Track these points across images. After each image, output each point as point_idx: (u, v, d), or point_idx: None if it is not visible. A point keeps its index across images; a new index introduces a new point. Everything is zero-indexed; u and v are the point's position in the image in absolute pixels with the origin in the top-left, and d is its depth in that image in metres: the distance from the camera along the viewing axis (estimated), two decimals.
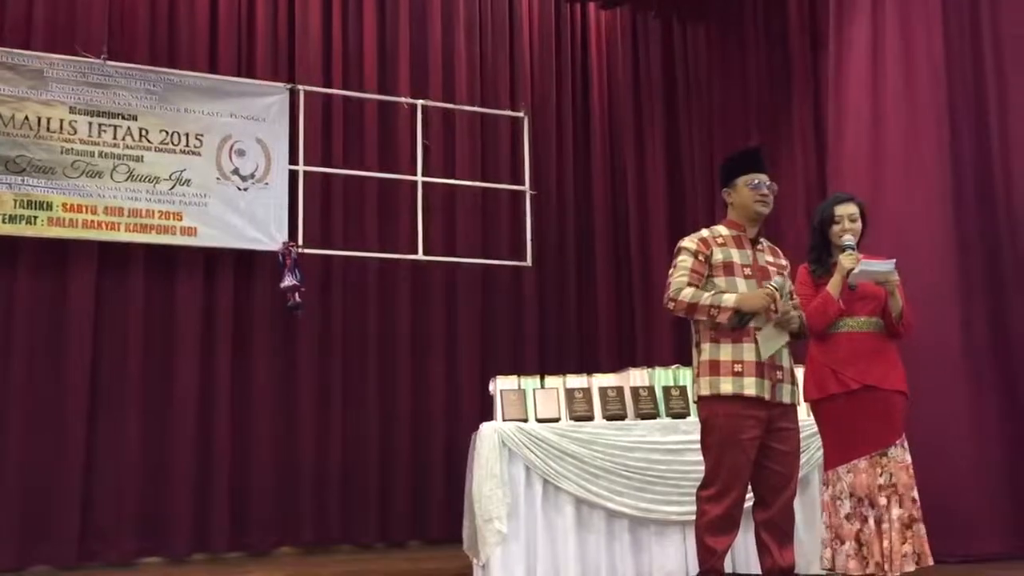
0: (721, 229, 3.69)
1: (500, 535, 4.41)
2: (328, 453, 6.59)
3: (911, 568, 3.71)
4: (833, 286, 3.84)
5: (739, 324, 3.47)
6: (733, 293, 3.50)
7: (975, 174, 5.40)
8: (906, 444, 3.84)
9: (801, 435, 3.69)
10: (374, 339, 6.88)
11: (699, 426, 3.64)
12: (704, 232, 3.70)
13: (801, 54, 6.62)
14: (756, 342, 3.49)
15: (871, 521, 3.75)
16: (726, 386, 3.48)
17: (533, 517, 4.50)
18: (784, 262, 3.77)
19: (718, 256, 3.58)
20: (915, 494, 3.78)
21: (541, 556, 4.47)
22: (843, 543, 3.79)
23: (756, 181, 3.65)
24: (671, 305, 3.57)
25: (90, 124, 6.11)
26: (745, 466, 3.49)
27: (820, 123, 6.45)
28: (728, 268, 3.57)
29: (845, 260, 3.82)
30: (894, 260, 3.85)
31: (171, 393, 6.22)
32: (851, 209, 3.98)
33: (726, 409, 3.48)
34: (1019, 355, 5.18)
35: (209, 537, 6.17)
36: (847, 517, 3.79)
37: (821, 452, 4.08)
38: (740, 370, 3.47)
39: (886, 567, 3.68)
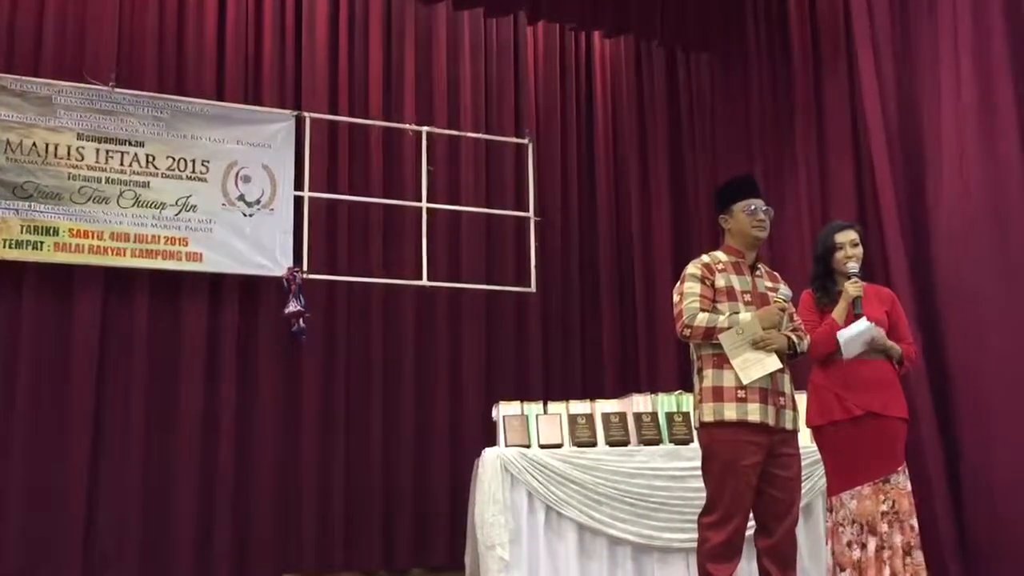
0: (720, 255, 3.71)
1: (503, 562, 4.40)
2: (331, 479, 6.58)
3: None
4: (838, 314, 3.84)
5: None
6: (748, 313, 3.51)
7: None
8: (907, 471, 3.84)
9: (803, 462, 3.68)
10: (378, 365, 6.88)
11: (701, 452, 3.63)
12: (705, 257, 3.71)
13: (804, 80, 6.65)
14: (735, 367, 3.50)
15: (870, 548, 3.73)
16: (730, 412, 3.47)
17: (536, 544, 4.49)
18: (783, 285, 3.78)
19: (720, 282, 3.59)
20: (914, 521, 3.78)
21: None
22: (843, 570, 3.77)
23: (752, 207, 3.67)
24: (687, 332, 3.56)
25: (97, 150, 6.16)
26: (747, 493, 3.47)
27: (823, 148, 6.47)
28: (730, 294, 3.58)
29: (851, 288, 3.83)
30: (864, 319, 3.82)
31: (175, 419, 6.21)
32: (851, 235, 4.00)
33: (728, 435, 3.46)
34: None
35: (211, 564, 6.14)
36: (848, 544, 3.78)
37: (824, 479, 4.06)
38: (744, 396, 3.47)
39: None
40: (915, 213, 5.58)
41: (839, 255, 3.99)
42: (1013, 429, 4.88)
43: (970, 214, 5.27)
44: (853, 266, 3.91)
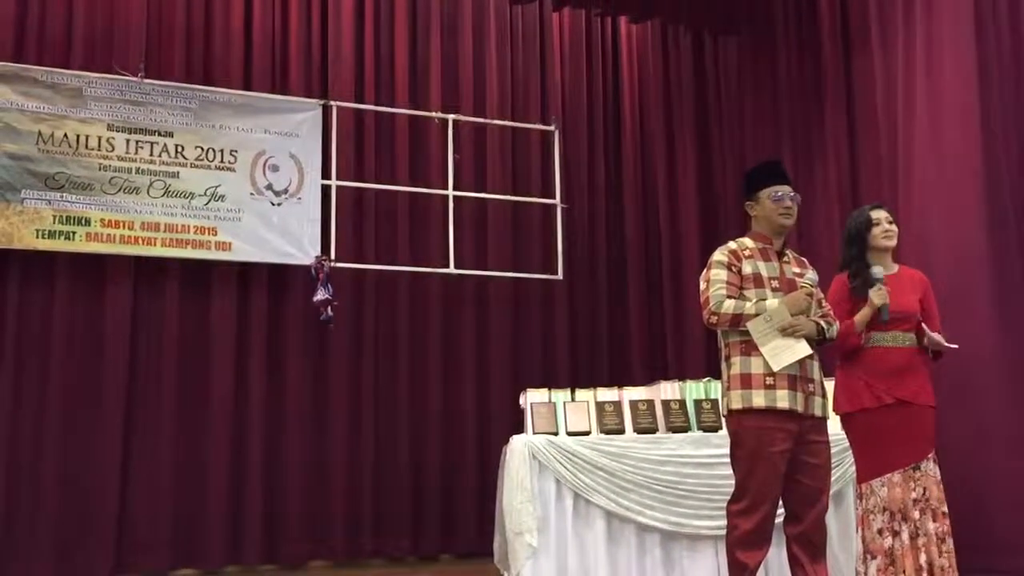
0: (747, 241, 3.67)
1: (531, 549, 4.41)
2: (360, 467, 6.62)
3: None
4: (860, 320, 3.80)
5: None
6: (776, 300, 3.49)
7: (1012, 179, 5.33)
8: (936, 459, 3.80)
9: (833, 449, 3.66)
10: (405, 353, 6.91)
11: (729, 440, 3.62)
12: (732, 244, 3.68)
13: (833, 64, 6.58)
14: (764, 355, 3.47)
15: (904, 535, 3.70)
16: (759, 399, 3.45)
17: (564, 531, 4.49)
18: (810, 271, 3.74)
19: (747, 268, 3.56)
20: (945, 508, 3.75)
21: (572, 570, 4.46)
22: (874, 558, 3.74)
23: (779, 193, 3.64)
24: (714, 319, 3.54)
25: (127, 141, 6.21)
26: (775, 480, 3.45)
27: (853, 133, 6.40)
28: (757, 280, 3.55)
29: (875, 297, 3.78)
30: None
31: (206, 406, 6.28)
32: (886, 213, 3.97)
33: (756, 422, 3.45)
34: None
35: (242, 550, 6.21)
36: (879, 532, 3.75)
37: (854, 466, 4.03)
38: (772, 383, 3.45)
39: None
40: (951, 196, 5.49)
41: (876, 230, 3.94)
42: None
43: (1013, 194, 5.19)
44: (878, 270, 3.85)
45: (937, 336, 3.83)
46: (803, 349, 3.47)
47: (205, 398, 6.28)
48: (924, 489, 3.72)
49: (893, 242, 3.93)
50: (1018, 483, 4.83)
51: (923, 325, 3.84)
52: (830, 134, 6.56)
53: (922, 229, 5.48)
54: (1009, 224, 5.18)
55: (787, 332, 3.45)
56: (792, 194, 3.66)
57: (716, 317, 3.53)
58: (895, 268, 4.00)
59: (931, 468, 3.76)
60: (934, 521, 3.70)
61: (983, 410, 4.97)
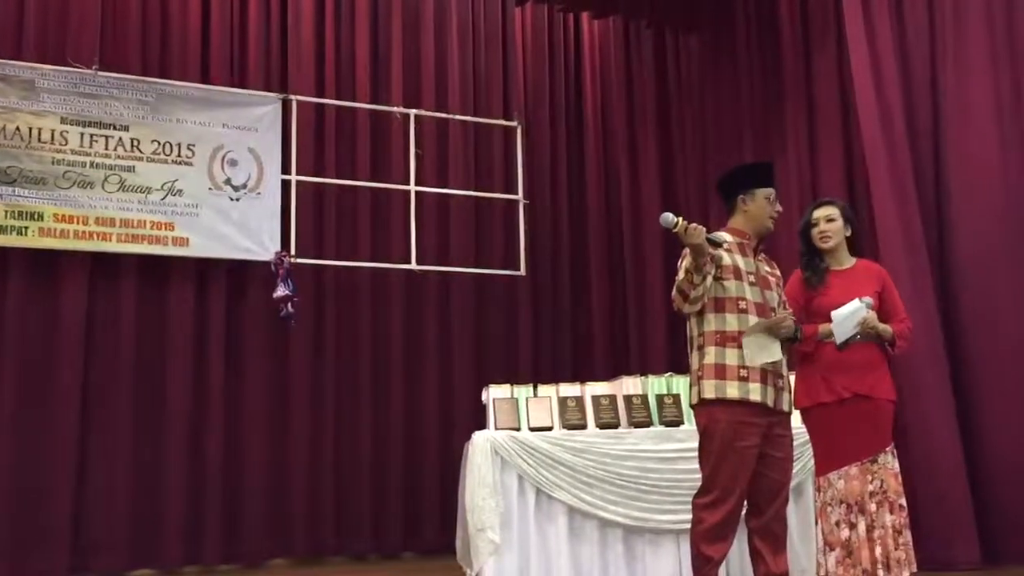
0: (725, 235, 3.66)
1: (493, 545, 4.39)
2: (321, 464, 6.56)
3: (907, 574, 3.70)
4: (822, 332, 3.82)
5: (704, 263, 3.39)
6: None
7: (918, 174, 5.52)
8: (895, 452, 3.84)
9: (795, 442, 3.68)
10: (367, 349, 6.86)
11: (695, 433, 3.61)
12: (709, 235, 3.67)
13: (794, 61, 6.63)
14: (741, 346, 3.47)
15: (860, 528, 3.74)
16: (732, 390, 3.45)
17: (526, 526, 4.48)
18: (778, 272, 3.76)
19: (727, 260, 3.54)
20: (903, 501, 3.78)
21: (534, 566, 4.45)
22: (832, 549, 3.77)
23: (773, 196, 3.66)
24: (674, 301, 3.54)
25: (82, 135, 6.10)
26: (744, 474, 3.46)
27: (813, 130, 6.46)
28: (736, 272, 3.54)
29: (823, 329, 3.82)
30: (857, 299, 3.77)
31: (163, 404, 6.19)
32: (828, 211, 4.00)
33: (728, 415, 3.45)
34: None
35: (201, 549, 6.13)
36: (837, 524, 3.78)
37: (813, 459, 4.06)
38: (746, 375, 3.46)
39: (880, 573, 3.67)
40: (918, 196, 5.57)
41: (813, 232, 3.98)
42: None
43: (974, 192, 5.27)
44: (825, 329, 3.85)
45: (880, 326, 3.85)
46: (777, 353, 3.51)
47: (163, 396, 6.19)
48: (881, 482, 3.75)
49: (828, 244, 3.94)
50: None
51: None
52: (790, 131, 6.61)
53: (878, 227, 5.58)
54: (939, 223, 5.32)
55: (773, 330, 3.48)
56: (779, 204, 3.70)
57: (673, 297, 3.51)
58: (852, 262, 4.02)
59: (889, 461, 3.80)
60: (891, 513, 3.73)
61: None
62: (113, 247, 6.10)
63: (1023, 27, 5.20)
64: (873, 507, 3.73)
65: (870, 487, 3.75)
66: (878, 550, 3.69)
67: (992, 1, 5.32)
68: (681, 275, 3.47)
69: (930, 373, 5.25)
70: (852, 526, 3.74)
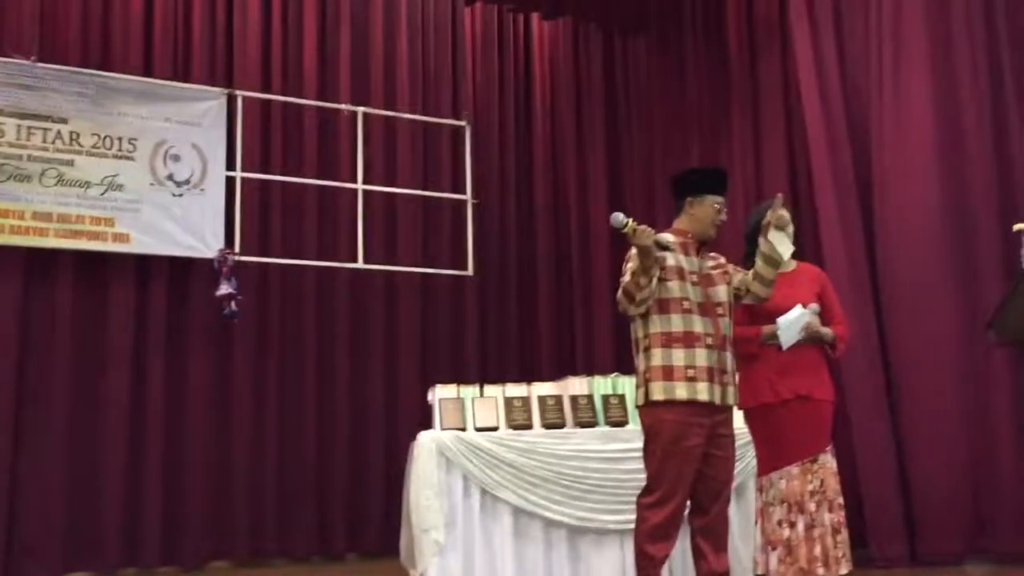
0: (668, 236, 3.69)
1: (437, 545, 4.37)
2: (264, 465, 6.48)
3: (845, 571, 3.76)
4: (765, 334, 3.87)
5: (652, 265, 3.44)
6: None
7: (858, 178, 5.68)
8: (833, 451, 3.91)
9: (737, 442, 3.72)
10: (312, 348, 6.79)
11: (639, 433, 3.63)
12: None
13: (739, 62, 6.73)
14: (686, 346, 3.51)
15: (800, 526, 3.79)
16: (680, 391, 3.47)
17: (471, 527, 4.46)
18: (723, 260, 3.79)
19: (670, 261, 3.56)
20: (841, 500, 3.85)
21: (479, 566, 4.43)
22: (774, 549, 3.82)
23: (720, 204, 3.69)
24: (620, 303, 3.55)
25: (18, 127, 5.94)
26: (688, 473, 3.49)
27: (759, 134, 6.54)
28: (680, 273, 3.57)
29: (767, 331, 3.88)
30: (800, 306, 3.87)
31: (102, 403, 6.05)
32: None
33: (674, 415, 3.47)
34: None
35: (140, 551, 6.01)
36: (778, 523, 3.83)
37: (755, 459, 4.11)
38: (693, 375, 3.48)
39: (820, 570, 3.73)
40: (854, 196, 5.68)
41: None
42: (948, 412, 5.05)
43: (909, 197, 5.38)
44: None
45: (822, 330, 3.92)
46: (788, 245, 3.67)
47: (100, 395, 6.06)
48: (821, 481, 3.81)
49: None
50: None
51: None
52: (736, 133, 6.70)
53: (820, 228, 5.68)
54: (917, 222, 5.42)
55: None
56: (725, 210, 3.73)
57: (620, 293, 3.52)
58: (793, 265, 4.08)
59: (828, 460, 3.86)
60: (830, 512, 3.80)
61: None
62: (51, 243, 5.95)
63: (959, 35, 5.31)
64: (813, 506, 3.79)
65: (810, 486, 3.80)
66: (817, 548, 3.75)
67: (930, 11, 5.43)
68: (627, 277, 3.49)
69: (866, 377, 5.37)
70: (792, 525, 3.79)
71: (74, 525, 5.83)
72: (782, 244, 3.63)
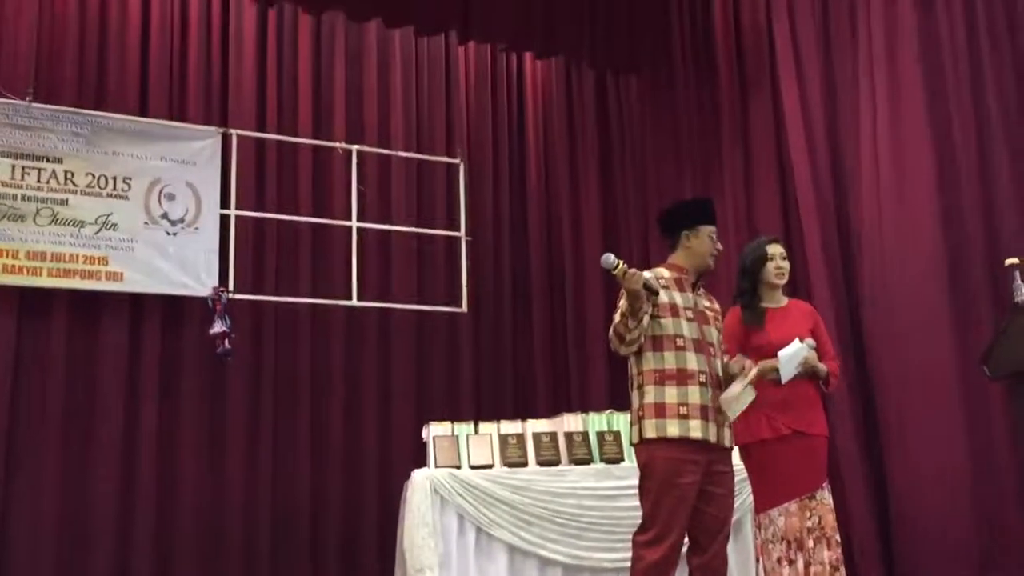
0: (663, 271, 3.70)
1: None
2: (257, 504, 6.41)
3: None
4: (762, 370, 3.86)
5: (640, 308, 3.42)
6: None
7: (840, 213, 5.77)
8: (830, 487, 3.90)
9: (735, 479, 3.70)
10: (306, 386, 6.75)
11: (635, 471, 3.61)
12: (647, 273, 3.70)
13: (730, 102, 6.79)
14: (679, 384, 3.50)
15: (799, 564, 3.76)
16: (672, 428, 3.46)
17: (465, 566, 4.43)
18: (717, 307, 3.81)
19: (664, 297, 3.57)
20: (838, 537, 3.83)
21: None
22: None
23: (715, 234, 3.72)
24: (611, 342, 3.56)
25: (13, 167, 5.95)
26: (683, 511, 3.47)
27: (750, 170, 6.59)
28: (674, 310, 3.57)
29: (763, 367, 3.87)
30: (798, 340, 3.87)
31: (94, 444, 6.00)
32: (781, 248, 4.07)
33: (667, 453, 3.46)
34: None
35: None
36: (778, 561, 3.80)
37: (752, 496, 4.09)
38: (686, 412, 3.47)
39: None
40: (839, 230, 5.73)
41: (769, 266, 4.03)
42: (934, 440, 5.02)
43: (890, 230, 5.41)
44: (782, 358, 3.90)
45: (819, 365, 3.93)
46: (750, 393, 3.58)
47: (93, 435, 6.01)
48: (819, 518, 3.79)
49: (784, 280, 4.03)
50: None
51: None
52: (727, 169, 6.74)
53: (809, 262, 5.72)
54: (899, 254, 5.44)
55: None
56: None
57: (611, 333, 3.52)
58: (784, 302, 4.09)
59: (825, 497, 3.85)
60: (828, 549, 3.77)
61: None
62: (44, 282, 5.94)
63: (948, 72, 5.37)
64: (811, 543, 3.76)
65: (808, 523, 3.78)
66: None
67: (919, 48, 5.49)
68: (617, 318, 3.50)
69: (847, 411, 5.36)
70: (791, 562, 3.77)
71: (65, 566, 5.76)
72: (738, 401, 3.56)
